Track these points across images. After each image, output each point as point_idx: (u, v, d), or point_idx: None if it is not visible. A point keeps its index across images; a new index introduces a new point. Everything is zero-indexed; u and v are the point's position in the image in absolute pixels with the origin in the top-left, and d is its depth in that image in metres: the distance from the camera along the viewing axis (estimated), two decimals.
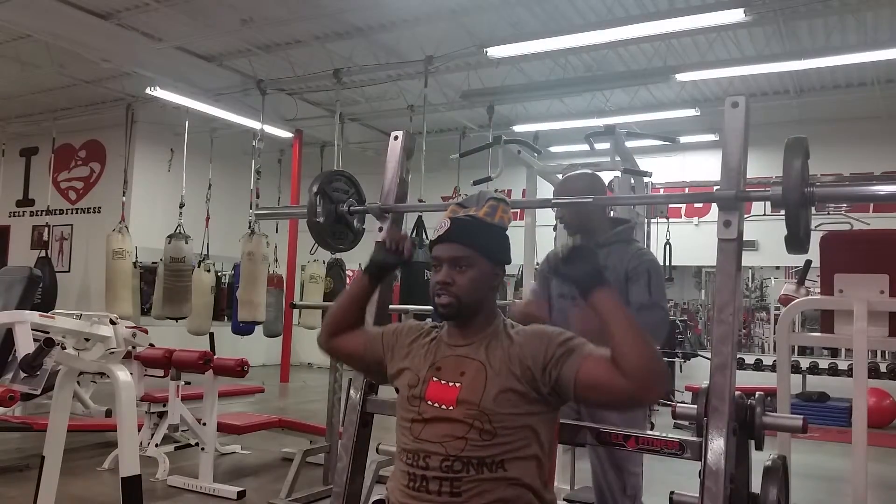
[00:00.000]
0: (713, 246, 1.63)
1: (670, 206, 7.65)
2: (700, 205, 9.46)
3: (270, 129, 9.52)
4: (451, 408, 1.49)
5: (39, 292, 3.98)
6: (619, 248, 2.52)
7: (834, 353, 8.34)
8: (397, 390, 1.65)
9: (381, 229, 2.05)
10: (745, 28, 6.87)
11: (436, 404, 1.52)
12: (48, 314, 2.99)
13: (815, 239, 1.98)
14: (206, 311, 8.76)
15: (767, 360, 8.19)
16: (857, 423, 2.87)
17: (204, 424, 4.49)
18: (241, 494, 4.26)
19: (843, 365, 7.76)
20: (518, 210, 2.90)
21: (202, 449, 4.45)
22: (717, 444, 1.48)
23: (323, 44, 7.87)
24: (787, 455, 2.28)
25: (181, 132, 9.50)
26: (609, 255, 2.47)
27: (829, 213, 8.30)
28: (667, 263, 6.38)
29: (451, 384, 1.53)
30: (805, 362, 8.08)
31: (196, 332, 8.68)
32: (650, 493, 4.11)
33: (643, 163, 3.84)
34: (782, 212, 1.59)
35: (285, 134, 10.26)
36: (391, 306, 2.63)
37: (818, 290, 3.62)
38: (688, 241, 8.20)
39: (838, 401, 7.66)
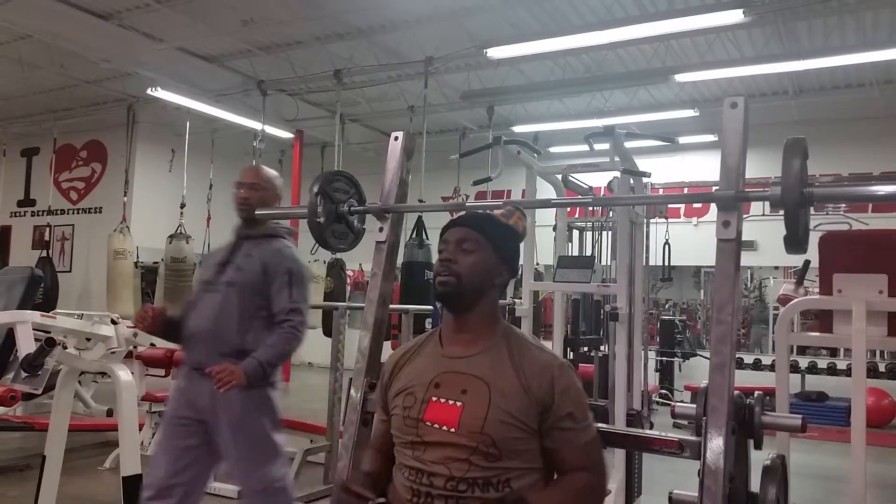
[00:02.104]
0: (712, 246, 1.63)
1: (669, 206, 7.66)
2: (699, 205, 9.49)
3: (271, 130, 9.53)
4: (452, 430, 1.45)
5: (41, 292, 3.99)
6: (266, 241, 2.62)
7: (833, 352, 8.35)
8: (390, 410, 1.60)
9: (381, 229, 2.06)
10: (744, 29, 6.87)
11: (436, 426, 1.47)
12: (49, 314, 3.00)
13: (813, 239, 1.99)
14: None
15: (766, 360, 8.19)
16: (855, 422, 2.87)
17: None
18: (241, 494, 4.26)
19: (841, 364, 7.76)
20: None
21: None
22: (716, 444, 1.48)
23: (323, 44, 7.88)
24: (786, 454, 2.28)
25: (182, 132, 9.52)
26: (256, 247, 2.59)
27: (827, 213, 8.30)
28: (666, 263, 6.38)
29: (451, 402, 1.48)
30: (804, 362, 8.09)
31: None
32: (650, 492, 4.14)
33: (642, 163, 3.83)
34: (781, 212, 1.59)
35: (286, 134, 10.27)
36: (391, 306, 2.63)
37: (817, 289, 3.62)
38: (687, 242, 8.21)
39: (837, 400, 7.66)
